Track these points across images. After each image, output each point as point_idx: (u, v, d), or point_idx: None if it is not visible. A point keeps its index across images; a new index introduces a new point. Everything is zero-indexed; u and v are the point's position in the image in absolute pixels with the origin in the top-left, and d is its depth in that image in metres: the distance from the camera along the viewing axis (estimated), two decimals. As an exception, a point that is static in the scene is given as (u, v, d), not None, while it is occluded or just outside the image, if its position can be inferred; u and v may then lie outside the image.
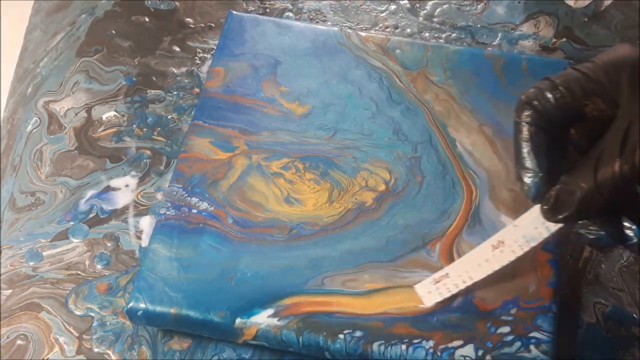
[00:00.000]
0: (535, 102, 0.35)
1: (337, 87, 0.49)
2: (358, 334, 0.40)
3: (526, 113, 0.35)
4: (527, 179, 0.35)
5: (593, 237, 0.35)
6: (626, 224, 0.35)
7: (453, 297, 0.41)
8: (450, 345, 0.40)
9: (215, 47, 0.53)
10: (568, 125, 0.36)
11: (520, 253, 0.39)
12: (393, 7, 0.57)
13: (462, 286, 0.41)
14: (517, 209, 0.44)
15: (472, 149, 0.46)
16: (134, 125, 0.52)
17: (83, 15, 0.57)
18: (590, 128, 0.36)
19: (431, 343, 0.40)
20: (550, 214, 0.35)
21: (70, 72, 0.54)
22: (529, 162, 0.35)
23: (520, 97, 0.36)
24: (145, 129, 0.51)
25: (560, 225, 0.36)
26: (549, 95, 0.35)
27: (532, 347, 0.40)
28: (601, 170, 0.33)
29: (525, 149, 0.35)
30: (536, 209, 0.37)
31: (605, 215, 0.35)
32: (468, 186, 0.45)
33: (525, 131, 0.35)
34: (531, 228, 0.38)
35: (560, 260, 0.43)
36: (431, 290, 0.41)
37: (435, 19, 0.56)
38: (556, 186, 0.35)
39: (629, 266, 0.46)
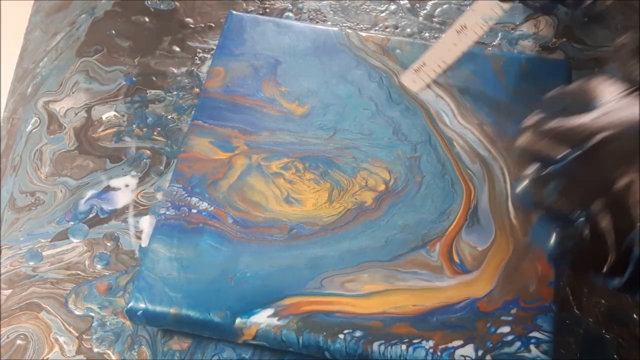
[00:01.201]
0: None
1: (336, 87, 0.49)
2: (358, 334, 0.40)
3: None
4: None
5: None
6: None
7: (432, 83, 0.47)
8: (450, 345, 0.40)
9: (215, 47, 0.53)
10: None
11: (481, 32, 0.45)
12: (393, 7, 0.57)
13: (439, 70, 0.47)
14: (515, 207, 0.44)
15: (471, 149, 0.46)
16: (134, 125, 0.52)
17: (83, 15, 0.57)
18: None
19: (431, 343, 0.40)
20: None
21: (70, 72, 0.54)
22: None
23: None
24: (145, 129, 0.51)
25: (512, 2, 0.42)
26: None
27: (532, 347, 0.40)
28: None
29: None
30: None
31: None
32: (467, 186, 0.45)
33: None
34: (488, 9, 0.44)
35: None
36: (415, 80, 0.47)
37: (435, 19, 0.56)
38: None
39: (629, 266, 0.46)
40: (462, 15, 0.46)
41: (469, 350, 0.40)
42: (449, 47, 0.46)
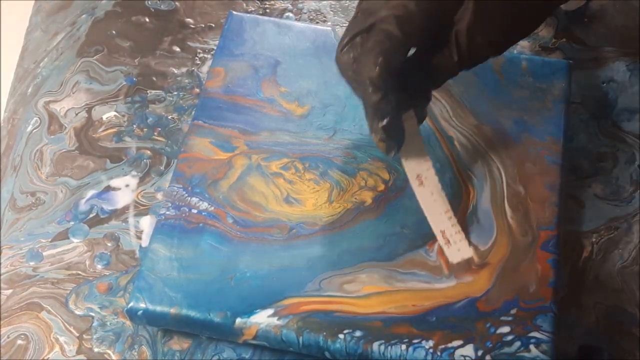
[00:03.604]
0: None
1: (336, 87, 0.49)
2: (358, 334, 0.40)
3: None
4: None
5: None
6: None
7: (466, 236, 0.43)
8: (450, 345, 0.40)
9: (215, 47, 0.53)
10: None
11: (430, 163, 0.42)
12: (393, 7, 0.57)
13: (454, 221, 0.42)
14: (515, 207, 0.44)
15: (471, 149, 0.46)
16: (134, 126, 0.52)
17: (83, 16, 0.57)
18: None
19: (431, 343, 0.40)
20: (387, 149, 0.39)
21: (71, 72, 0.54)
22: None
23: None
24: (145, 129, 0.52)
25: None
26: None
27: (532, 347, 0.40)
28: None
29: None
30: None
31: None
32: (466, 186, 0.45)
33: None
34: (412, 150, 0.41)
35: (560, 260, 0.43)
36: (458, 249, 0.42)
37: (435, 19, 0.56)
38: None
39: (629, 266, 0.46)
40: (407, 171, 0.42)
41: (468, 350, 0.40)
42: (431, 199, 0.42)
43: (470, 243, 0.42)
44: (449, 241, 0.42)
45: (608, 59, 0.53)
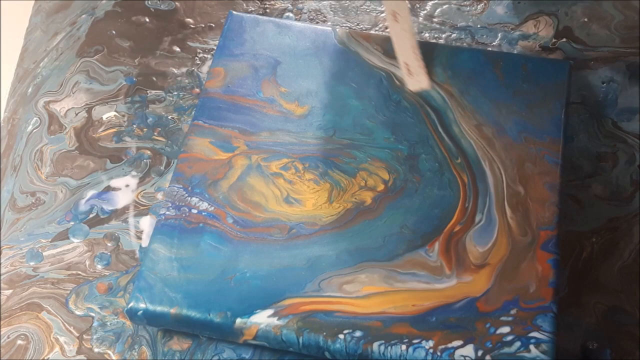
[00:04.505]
0: None
1: (336, 87, 0.49)
2: (358, 334, 0.40)
3: None
4: None
5: None
6: None
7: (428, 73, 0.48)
8: (450, 345, 0.40)
9: (215, 47, 0.53)
10: None
11: (407, 3, 0.46)
12: (393, 7, 0.57)
13: (420, 56, 0.47)
14: (515, 207, 0.44)
15: (470, 149, 0.46)
16: (134, 126, 0.52)
17: (83, 16, 0.57)
18: None
19: (431, 343, 0.40)
20: None
21: (71, 73, 0.54)
22: None
23: None
24: (145, 129, 0.52)
25: None
26: None
27: (532, 347, 0.40)
28: None
29: None
30: None
31: None
32: (465, 186, 0.45)
33: None
34: None
35: (560, 260, 0.43)
36: (418, 81, 0.48)
37: (435, 19, 0.56)
38: None
39: (629, 266, 0.46)
40: (385, 7, 0.47)
41: (468, 350, 0.40)
42: (402, 35, 0.47)
43: (430, 78, 0.47)
44: (411, 72, 0.47)
45: (608, 59, 0.53)
